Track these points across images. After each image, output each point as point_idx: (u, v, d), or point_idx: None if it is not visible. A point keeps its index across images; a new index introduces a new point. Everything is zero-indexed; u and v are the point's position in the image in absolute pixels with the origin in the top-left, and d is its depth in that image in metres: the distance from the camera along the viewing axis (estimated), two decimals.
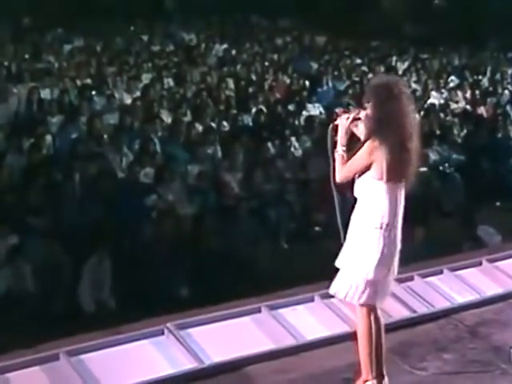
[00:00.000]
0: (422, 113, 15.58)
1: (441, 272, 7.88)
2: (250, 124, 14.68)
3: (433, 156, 13.56)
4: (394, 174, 5.08)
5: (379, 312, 5.43)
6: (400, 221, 5.25)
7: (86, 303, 8.90)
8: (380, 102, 5.13)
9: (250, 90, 16.83)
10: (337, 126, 5.34)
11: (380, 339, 5.40)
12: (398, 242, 5.25)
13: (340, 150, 5.26)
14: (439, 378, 5.92)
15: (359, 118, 5.30)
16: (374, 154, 5.08)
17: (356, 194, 5.28)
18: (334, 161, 5.33)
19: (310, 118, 14.74)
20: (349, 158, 5.23)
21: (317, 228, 11.28)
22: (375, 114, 5.15)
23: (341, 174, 5.24)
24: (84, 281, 8.97)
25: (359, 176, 5.21)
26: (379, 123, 5.09)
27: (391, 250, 5.20)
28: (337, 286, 5.44)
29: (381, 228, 5.14)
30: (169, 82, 16.93)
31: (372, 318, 5.34)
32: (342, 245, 5.47)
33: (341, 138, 5.28)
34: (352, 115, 5.33)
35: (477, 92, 18.50)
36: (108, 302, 9.03)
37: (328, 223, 11.38)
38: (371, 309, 5.35)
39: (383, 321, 5.48)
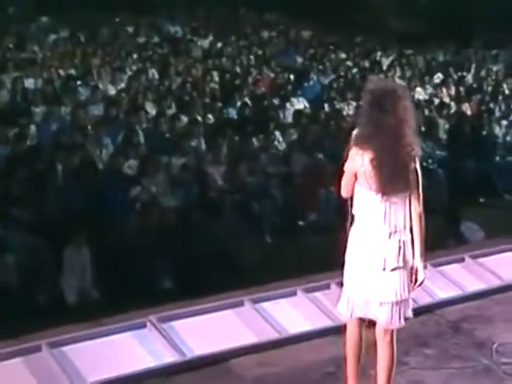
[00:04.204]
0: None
1: (424, 268, 7.87)
2: (235, 117, 14.65)
3: None
4: (376, 184, 4.80)
5: (393, 340, 5.08)
6: (406, 237, 4.90)
7: (69, 295, 8.87)
8: (362, 109, 4.93)
9: (236, 82, 16.80)
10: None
11: (389, 372, 5.09)
12: (404, 253, 4.90)
13: (346, 164, 4.97)
14: (421, 373, 5.93)
15: None
16: (351, 161, 4.86)
17: (354, 204, 5.01)
18: None
19: (296, 112, 14.72)
20: None
21: (300, 222, 11.30)
22: (361, 120, 4.91)
23: (341, 188, 5.03)
24: (66, 272, 8.93)
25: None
26: (359, 130, 4.87)
27: (385, 266, 4.88)
28: (342, 302, 5.13)
29: (374, 240, 4.87)
30: (154, 73, 16.89)
31: (362, 333, 5.08)
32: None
33: (348, 152, 4.96)
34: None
35: (461, 89, 18.52)
36: (91, 294, 9.00)
37: (311, 218, 11.44)
38: (362, 325, 5.09)
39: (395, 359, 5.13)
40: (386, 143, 4.73)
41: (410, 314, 5.08)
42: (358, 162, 4.81)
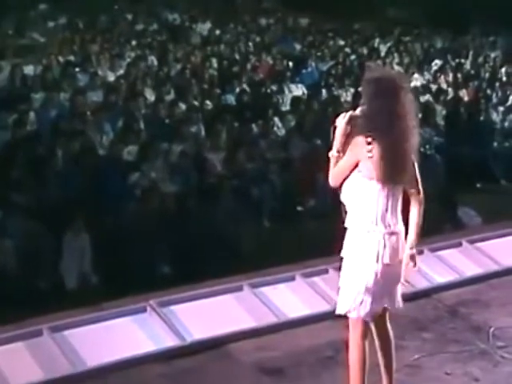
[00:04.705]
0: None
1: (421, 252, 7.87)
2: (234, 103, 14.65)
3: None
4: (385, 175, 4.66)
5: (389, 329, 5.01)
6: (401, 227, 4.81)
7: (69, 280, 8.89)
8: (369, 98, 4.73)
9: (234, 69, 16.78)
10: (336, 127, 4.87)
11: (389, 361, 5.04)
12: (400, 248, 4.79)
13: (334, 152, 4.84)
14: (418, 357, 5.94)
15: (357, 116, 4.83)
16: (357, 150, 4.71)
17: (345, 195, 4.85)
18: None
19: (294, 99, 14.71)
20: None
21: (299, 208, 11.31)
22: (364, 110, 4.76)
23: (331, 176, 4.85)
24: (67, 257, 8.94)
25: (350, 175, 4.80)
26: (367, 120, 4.70)
27: (390, 256, 4.76)
28: (339, 302, 4.93)
29: (373, 233, 4.73)
30: (153, 60, 16.87)
31: (367, 340, 4.89)
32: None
33: (336, 140, 4.84)
34: (349, 114, 4.83)
35: (459, 75, 18.51)
36: (91, 279, 9.02)
37: (309, 203, 11.45)
38: (367, 327, 4.89)
39: (393, 339, 5.05)
40: (395, 134, 4.63)
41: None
42: (364, 151, 4.67)
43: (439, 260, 7.78)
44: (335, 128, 4.88)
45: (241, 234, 9.90)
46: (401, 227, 4.83)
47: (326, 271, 7.25)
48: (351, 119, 4.82)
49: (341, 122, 4.84)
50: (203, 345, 6.09)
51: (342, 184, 4.85)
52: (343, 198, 4.87)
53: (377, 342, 5.03)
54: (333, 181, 4.86)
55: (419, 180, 4.87)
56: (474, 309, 6.86)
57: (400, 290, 4.96)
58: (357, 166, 4.75)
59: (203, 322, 6.41)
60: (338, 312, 4.92)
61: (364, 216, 4.78)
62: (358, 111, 4.84)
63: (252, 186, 10.94)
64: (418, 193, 4.86)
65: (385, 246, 4.75)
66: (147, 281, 8.20)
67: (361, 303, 4.81)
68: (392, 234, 4.77)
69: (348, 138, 4.82)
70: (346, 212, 4.88)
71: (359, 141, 4.70)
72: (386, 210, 4.76)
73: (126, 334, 6.19)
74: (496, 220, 9.40)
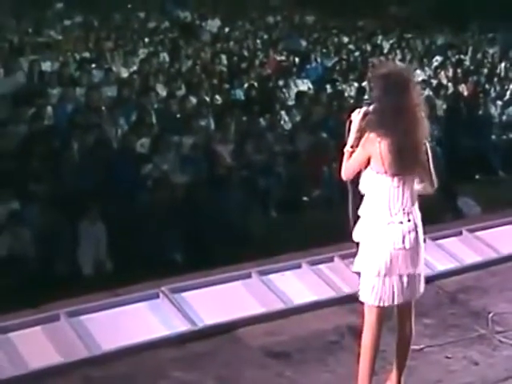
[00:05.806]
0: None
1: (423, 241, 7.85)
2: (242, 98, 14.63)
3: None
4: (395, 168, 4.60)
5: (412, 323, 5.01)
6: (417, 215, 4.78)
7: (86, 267, 8.90)
8: (379, 94, 4.62)
9: (242, 65, 16.76)
10: (351, 122, 4.83)
11: (404, 355, 5.01)
12: (412, 238, 4.71)
13: (348, 148, 4.78)
14: (420, 342, 5.91)
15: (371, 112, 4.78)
16: (369, 147, 4.63)
17: (362, 188, 4.81)
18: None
19: (299, 93, 14.69)
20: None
21: (305, 198, 11.29)
22: (375, 106, 4.69)
23: (343, 170, 4.80)
24: (83, 245, 8.95)
25: (365, 170, 4.76)
26: (377, 116, 4.64)
27: (405, 245, 4.70)
28: (360, 289, 4.87)
29: (389, 223, 4.68)
30: (164, 57, 16.86)
31: (380, 325, 4.83)
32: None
33: (351, 135, 4.79)
34: (363, 110, 4.77)
35: (458, 71, 18.45)
36: (106, 266, 9.03)
37: (315, 194, 11.43)
38: (382, 314, 4.85)
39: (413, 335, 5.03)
40: (405, 128, 4.55)
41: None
42: (376, 147, 4.60)
43: (440, 248, 7.75)
44: (350, 123, 4.82)
45: (249, 223, 9.89)
46: (417, 214, 4.77)
47: (332, 259, 7.24)
48: (365, 115, 4.76)
49: (355, 117, 4.79)
50: (213, 329, 6.08)
51: (353, 178, 4.80)
52: (363, 189, 4.80)
53: (397, 334, 4.98)
54: (345, 175, 4.81)
55: (433, 172, 4.80)
56: (474, 295, 6.84)
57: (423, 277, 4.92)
58: (369, 161, 4.69)
59: (213, 307, 6.40)
60: (361, 299, 4.85)
61: (379, 209, 4.71)
62: (371, 107, 4.75)
63: (260, 177, 10.94)
64: (432, 184, 4.81)
65: (403, 236, 4.68)
66: (160, 268, 8.20)
67: (378, 290, 4.76)
68: (408, 222, 4.70)
69: (362, 133, 4.75)
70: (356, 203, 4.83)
71: (370, 137, 4.64)
72: (402, 200, 4.69)
73: (140, 319, 6.19)
74: (495, 209, 9.36)
